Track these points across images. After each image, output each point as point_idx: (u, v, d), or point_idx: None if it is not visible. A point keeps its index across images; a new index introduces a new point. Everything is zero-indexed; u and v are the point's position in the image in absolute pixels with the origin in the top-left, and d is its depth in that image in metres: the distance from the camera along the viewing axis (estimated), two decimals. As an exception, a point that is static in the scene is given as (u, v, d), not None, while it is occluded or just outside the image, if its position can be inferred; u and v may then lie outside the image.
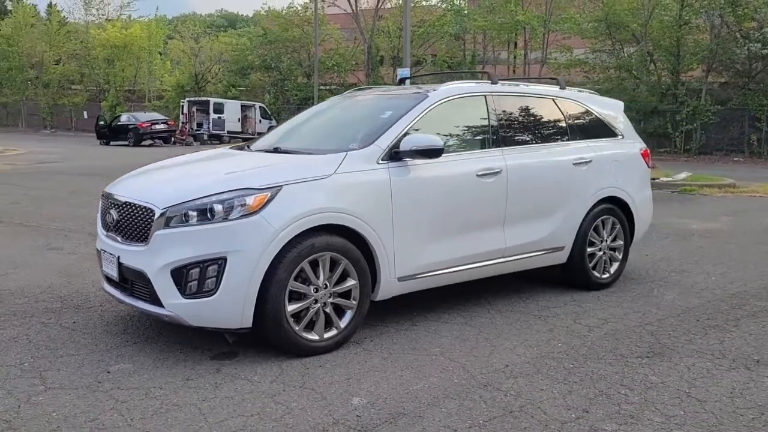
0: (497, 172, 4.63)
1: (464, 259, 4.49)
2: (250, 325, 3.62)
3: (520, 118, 5.11)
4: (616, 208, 5.47)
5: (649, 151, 6.03)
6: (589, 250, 5.28)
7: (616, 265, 5.53)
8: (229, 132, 32.63)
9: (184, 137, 31.68)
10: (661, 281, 5.68)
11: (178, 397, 3.22)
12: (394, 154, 4.14)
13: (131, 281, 3.81)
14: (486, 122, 4.81)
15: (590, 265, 5.30)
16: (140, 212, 3.77)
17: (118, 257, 3.84)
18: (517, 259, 4.85)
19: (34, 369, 3.53)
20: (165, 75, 49.48)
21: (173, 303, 3.56)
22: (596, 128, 5.60)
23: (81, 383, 3.35)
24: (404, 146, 4.12)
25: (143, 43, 46.87)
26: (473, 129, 4.83)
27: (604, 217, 5.40)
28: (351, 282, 3.89)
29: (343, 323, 3.89)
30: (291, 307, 3.67)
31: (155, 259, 3.58)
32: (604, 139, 5.61)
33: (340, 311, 3.90)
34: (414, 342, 4.04)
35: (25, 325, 4.25)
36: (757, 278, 5.80)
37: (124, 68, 47.15)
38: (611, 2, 27.55)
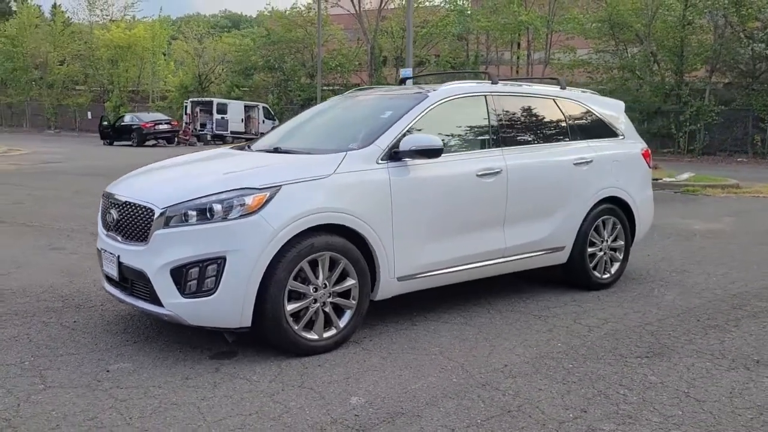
0: (497, 172, 4.63)
1: (464, 259, 4.49)
2: (250, 325, 3.63)
3: (521, 118, 5.11)
4: (616, 209, 5.47)
5: (650, 151, 6.02)
6: (589, 250, 5.28)
7: (616, 266, 5.52)
8: (232, 132, 32.69)
9: (187, 137, 31.75)
10: (662, 281, 5.67)
11: (177, 396, 3.23)
12: (394, 154, 4.14)
13: (131, 281, 3.82)
14: (486, 122, 4.81)
15: (591, 265, 5.29)
16: (140, 212, 3.78)
17: (118, 257, 3.85)
18: (517, 259, 4.85)
19: (34, 368, 3.55)
20: (168, 75, 49.60)
21: (173, 302, 3.57)
22: (597, 128, 5.59)
23: (80, 382, 3.37)
24: (404, 146, 4.12)
25: (147, 43, 46.99)
26: (473, 129, 4.82)
27: (605, 217, 5.39)
28: (350, 282, 3.90)
29: (342, 323, 3.90)
30: (290, 307, 3.68)
31: (155, 258, 3.60)
32: (604, 139, 5.60)
33: (339, 311, 3.90)
34: (413, 342, 4.05)
35: (26, 324, 4.27)
36: (758, 279, 5.79)
37: (128, 69, 47.25)
38: (614, 2, 27.54)
